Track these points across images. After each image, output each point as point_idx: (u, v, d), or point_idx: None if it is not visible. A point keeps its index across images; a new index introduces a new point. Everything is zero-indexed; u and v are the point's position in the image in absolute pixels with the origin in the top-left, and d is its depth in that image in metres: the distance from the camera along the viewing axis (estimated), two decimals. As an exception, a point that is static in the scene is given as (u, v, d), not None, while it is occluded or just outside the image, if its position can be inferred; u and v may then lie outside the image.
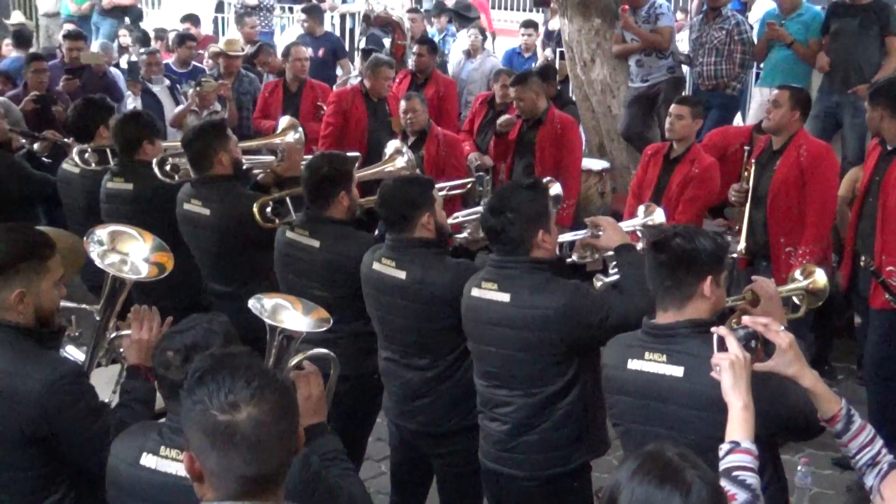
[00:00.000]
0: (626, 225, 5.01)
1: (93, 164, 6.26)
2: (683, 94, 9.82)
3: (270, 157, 6.20)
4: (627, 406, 3.57)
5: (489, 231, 4.21)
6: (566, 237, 4.76)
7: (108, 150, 6.27)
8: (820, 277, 4.19)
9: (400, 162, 6.19)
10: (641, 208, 5.16)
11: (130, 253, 4.09)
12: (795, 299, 4.22)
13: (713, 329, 3.07)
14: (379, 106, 8.80)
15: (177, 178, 5.85)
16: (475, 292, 4.21)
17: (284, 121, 6.63)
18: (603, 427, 4.29)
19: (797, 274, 4.27)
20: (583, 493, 4.33)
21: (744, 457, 2.82)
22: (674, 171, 7.05)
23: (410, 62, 10.07)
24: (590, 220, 4.58)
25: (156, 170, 5.84)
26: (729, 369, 2.95)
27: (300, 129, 6.49)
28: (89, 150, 6.31)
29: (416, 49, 9.85)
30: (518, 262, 4.13)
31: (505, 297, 4.10)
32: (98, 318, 3.98)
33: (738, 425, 2.90)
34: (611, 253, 4.44)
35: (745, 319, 3.13)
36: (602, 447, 4.36)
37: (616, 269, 4.38)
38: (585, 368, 4.14)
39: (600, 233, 4.48)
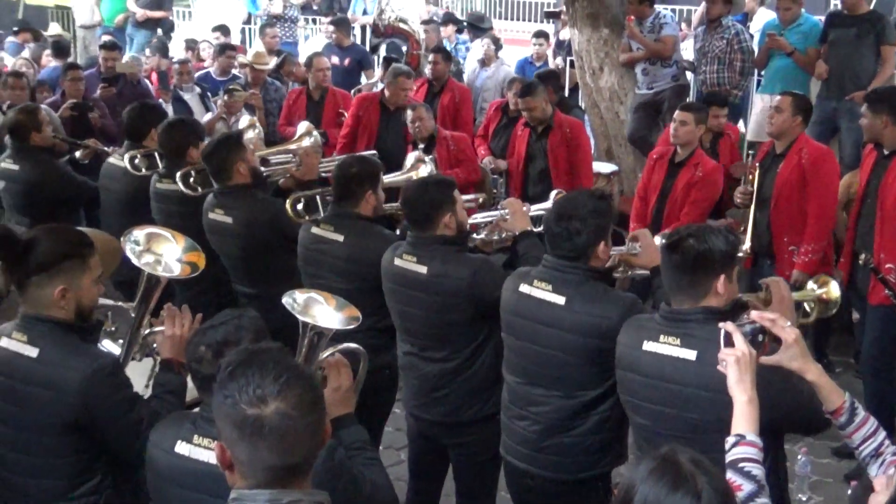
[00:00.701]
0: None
1: (143, 170, 6.29)
2: (687, 100, 9.82)
3: (289, 159, 6.23)
4: (637, 384, 3.58)
5: (552, 235, 4.10)
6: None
7: (156, 154, 6.31)
8: (834, 289, 4.14)
9: (424, 170, 6.19)
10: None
11: (164, 254, 4.11)
12: (807, 306, 4.17)
13: (720, 325, 3.05)
14: (394, 115, 8.79)
15: (200, 190, 5.88)
16: (524, 289, 4.12)
17: (302, 126, 6.66)
18: (626, 438, 4.20)
19: (812, 282, 4.22)
20: (607, 495, 4.22)
21: (749, 449, 2.81)
22: (678, 174, 7.05)
23: (427, 70, 10.06)
24: (632, 233, 4.53)
25: (179, 184, 5.88)
26: (734, 365, 2.93)
27: (315, 133, 6.52)
28: (139, 155, 6.34)
29: (431, 58, 9.83)
30: (577, 269, 4.04)
31: (560, 300, 4.01)
32: (134, 316, 4.00)
33: (744, 419, 2.88)
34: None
35: (754, 314, 3.11)
36: (623, 458, 4.26)
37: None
38: None
39: (638, 250, 4.45)
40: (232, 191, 5.61)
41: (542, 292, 4.06)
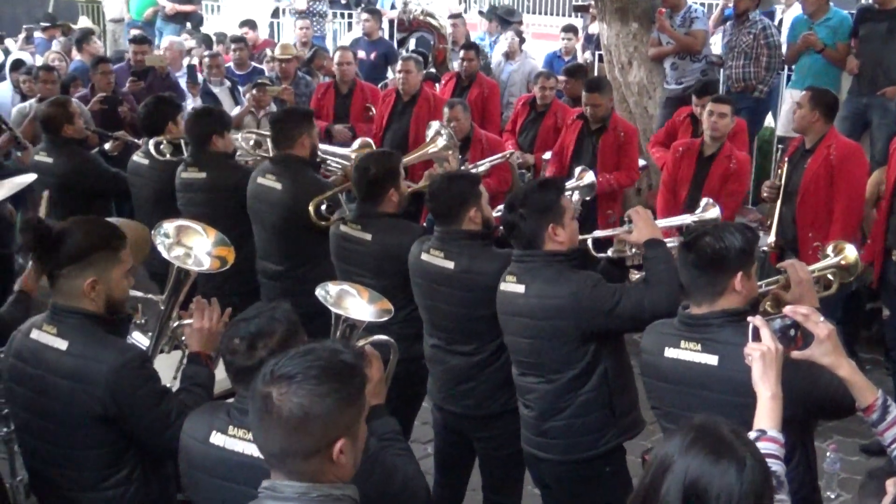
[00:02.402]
0: (676, 220, 4.96)
1: (167, 155, 6.40)
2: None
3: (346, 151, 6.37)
4: (665, 391, 3.59)
5: (506, 226, 4.25)
6: (602, 233, 4.74)
7: (182, 142, 6.41)
8: (850, 253, 4.15)
9: (441, 141, 6.24)
10: (703, 201, 5.03)
11: (194, 247, 4.13)
12: (829, 275, 4.17)
13: (749, 318, 3.04)
14: (408, 104, 8.91)
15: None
16: (502, 286, 4.26)
17: (358, 142, 6.74)
18: (633, 409, 4.28)
19: (829, 250, 4.22)
20: (616, 476, 4.31)
21: (770, 445, 2.80)
22: (710, 167, 7.05)
23: (455, 65, 10.06)
24: (628, 212, 4.51)
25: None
26: (759, 360, 2.92)
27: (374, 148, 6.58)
28: (164, 141, 6.45)
29: (462, 54, 9.80)
30: (534, 256, 4.18)
31: (520, 289, 4.16)
32: (163, 308, 4.03)
33: (766, 414, 2.88)
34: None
35: (786, 309, 3.10)
36: (636, 428, 4.34)
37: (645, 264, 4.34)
38: (606, 355, 4.14)
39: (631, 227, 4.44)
40: (289, 160, 5.72)
41: (511, 285, 4.22)
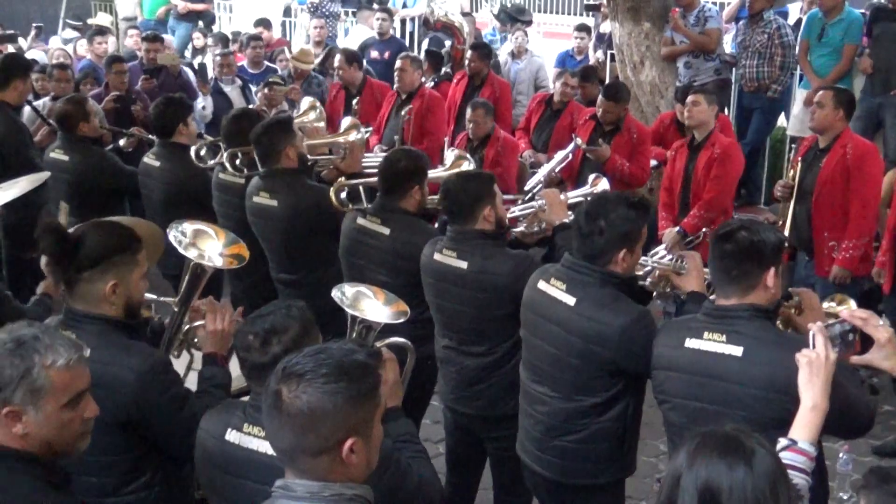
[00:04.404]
0: None
1: (245, 170, 5.99)
2: (728, 94, 9.81)
3: (334, 155, 6.27)
4: (678, 382, 3.55)
5: (578, 231, 4.00)
6: (657, 266, 4.56)
7: (220, 145, 6.32)
8: (854, 307, 4.12)
9: (465, 168, 6.20)
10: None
11: (206, 249, 4.11)
12: None
13: (809, 325, 3.03)
14: (405, 101, 8.95)
15: (245, 171, 5.91)
16: (542, 286, 4.08)
17: (346, 121, 6.68)
18: (634, 450, 4.17)
19: (833, 303, 4.18)
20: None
21: (797, 456, 2.78)
22: (698, 157, 7.08)
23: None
24: (684, 253, 4.42)
25: (226, 163, 5.91)
26: (806, 366, 2.90)
27: (362, 128, 6.53)
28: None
29: (468, 55, 9.84)
30: (592, 271, 3.93)
31: (570, 301, 3.94)
32: (176, 310, 4.02)
33: (803, 425, 2.85)
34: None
35: (843, 313, 3.11)
36: (632, 468, 4.20)
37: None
38: (633, 391, 4.00)
39: (684, 270, 4.33)
40: (278, 174, 5.63)
41: (556, 291, 4.01)
